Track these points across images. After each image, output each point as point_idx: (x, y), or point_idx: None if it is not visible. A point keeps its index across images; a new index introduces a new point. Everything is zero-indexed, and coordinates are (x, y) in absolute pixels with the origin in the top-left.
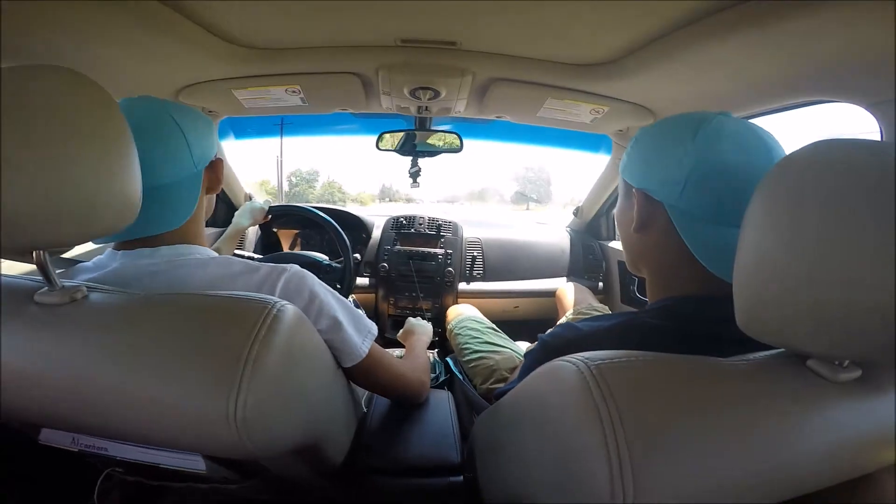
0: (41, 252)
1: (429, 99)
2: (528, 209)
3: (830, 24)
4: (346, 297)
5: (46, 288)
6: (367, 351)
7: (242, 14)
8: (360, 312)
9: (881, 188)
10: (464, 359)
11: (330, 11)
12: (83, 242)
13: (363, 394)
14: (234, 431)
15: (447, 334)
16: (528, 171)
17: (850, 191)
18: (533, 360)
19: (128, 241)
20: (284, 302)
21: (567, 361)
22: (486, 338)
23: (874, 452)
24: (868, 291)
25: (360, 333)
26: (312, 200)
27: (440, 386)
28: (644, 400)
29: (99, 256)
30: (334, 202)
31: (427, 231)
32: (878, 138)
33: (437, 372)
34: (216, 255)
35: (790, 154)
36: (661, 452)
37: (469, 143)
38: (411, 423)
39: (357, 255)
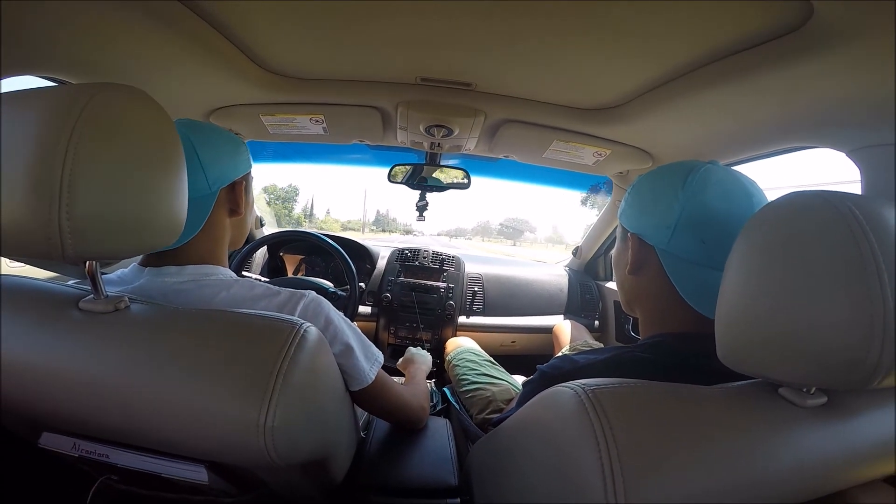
0: (93, 262)
1: (442, 136)
2: (514, 245)
3: (813, 75)
4: None
5: (92, 296)
6: (374, 377)
7: (280, 42)
8: (367, 339)
9: (835, 240)
10: (461, 389)
11: (359, 47)
12: (133, 256)
13: (360, 417)
14: (262, 440)
15: (445, 365)
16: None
17: (810, 241)
18: (531, 389)
19: (154, 258)
20: (309, 324)
21: (565, 387)
22: (483, 370)
23: (841, 472)
24: (829, 328)
25: (369, 360)
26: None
27: (437, 414)
28: (635, 421)
29: (123, 270)
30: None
31: (431, 264)
32: (859, 183)
33: (435, 401)
34: (237, 276)
35: (767, 205)
36: (651, 467)
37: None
38: (410, 446)
39: (362, 284)
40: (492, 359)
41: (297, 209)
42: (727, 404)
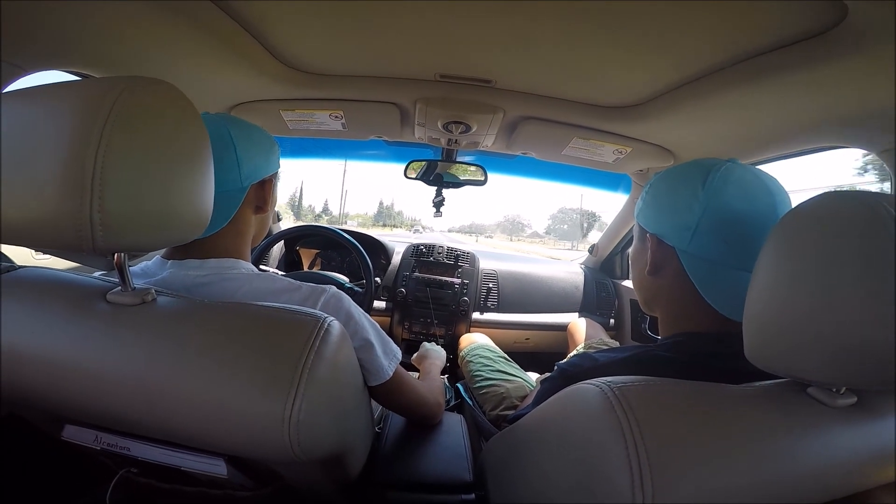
0: (122, 255)
1: (460, 132)
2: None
3: (844, 76)
4: None
5: (119, 288)
6: (392, 373)
7: (302, 39)
8: (386, 336)
9: (871, 240)
10: (475, 385)
11: (380, 43)
12: (160, 248)
13: (374, 412)
14: (286, 433)
15: (459, 361)
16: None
17: (846, 241)
18: (550, 387)
19: (177, 251)
20: (333, 318)
21: (590, 384)
22: (497, 366)
23: (867, 472)
24: (860, 328)
25: (388, 356)
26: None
27: (450, 410)
28: (662, 419)
29: (146, 263)
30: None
31: (446, 260)
32: (891, 182)
33: (448, 397)
34: (258, 271)
35: (800, 205)
36: (679, 466)
37: (492, 177)
38: (425, 442)
39: (377, 279)
40: (506, 355)
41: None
42: (755, 403)
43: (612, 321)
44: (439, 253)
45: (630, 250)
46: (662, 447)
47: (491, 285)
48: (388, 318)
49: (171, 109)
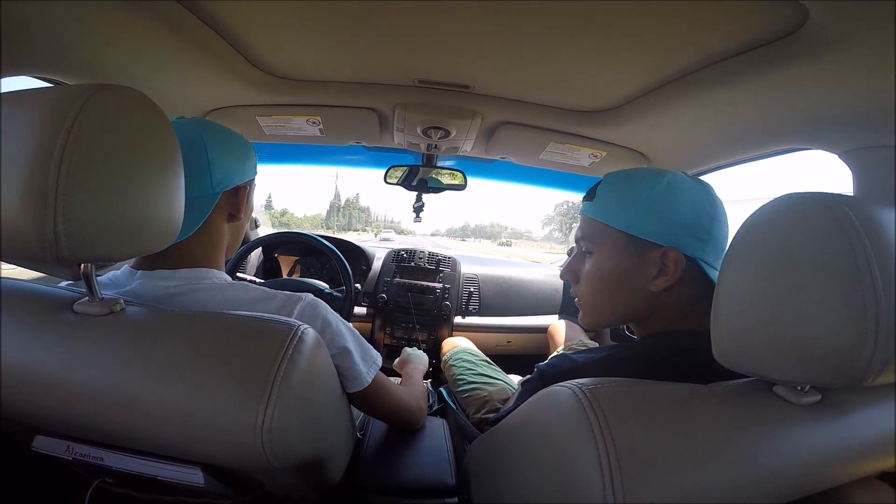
0: (89, 265)
1: (439, 138)
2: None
3: (808, 78)
4: None
5: (87, 298)
6: (371, 379)
7: (279, 44)
8: (366, 342)
9: (830, 241)
10: (457, 389)
11: (357, 49)
12: (128, 258)
13: (357, 417)
14: (259, 442)
15: (442, 365)
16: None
17: (806, 243)
18: (530, 388)
19: (147, 261)
20: (307, 326)
21: (563, 386)
22: (480, 370)
23: (835, 469)
24: (821, 328)
25: (367, 363)
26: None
27: (434, 414)
28: (632, 420)
29: (115, 273)
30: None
31: (427, 265)
32: (851, 184)
33: (431, 401)
34: (231, 280)
35: (761, 207)
36: (648, 466)
37: (472, 182)
38: (407, 446)
39: (357, 286)
40: (488, 359)
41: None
42: (723, 403)
43: None
44: (420, 258)
45: (605, 266)
46: (632, 448)
47: (472, 289)
48: (370, 324)
49: (139, 116)
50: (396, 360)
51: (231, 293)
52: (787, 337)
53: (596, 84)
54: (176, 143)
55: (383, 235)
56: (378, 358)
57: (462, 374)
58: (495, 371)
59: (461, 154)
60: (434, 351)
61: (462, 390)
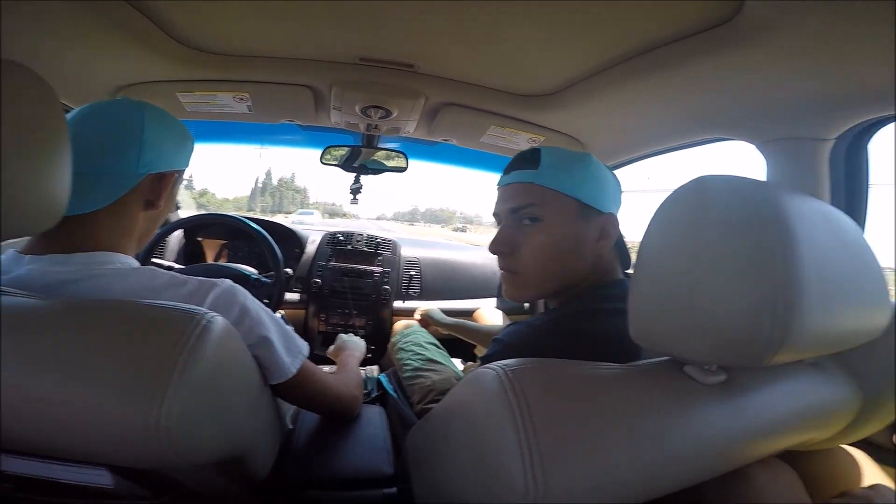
0: None
1: (380, 118)
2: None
3: (735, 69)
4: (275, 313)
5: None
6: (296, 370)
7: (201, 15)
8: (291, 331)
9: (739, 224)
10: (404, 375)
11: (292, 22)
12: (6, 240)
13: (289, 408)
14: (158, 440)
15: (389, 348)
16: None
17: (717, 223)
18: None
19: (38, 244)
20: (215, 314)
21: (488, 368)
22: (428, 354)
23: (740, 448)
24: (727, 307)
25: (291, 353)
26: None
27: (372, 402)
28: (552, 400)
29: None
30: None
31: (365, 248)
32: (765, 173)
33: (370, 388)
34: (139, 265)
35: (676, 190)
36: (566, 446)
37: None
38: (342, 436)
39: (289, 270)
40: (438, 343)
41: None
42: (638, 382)
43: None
44: (358, 241)
45: (559, 232)
46: (552, 432)
47: (413, 273)
48: (304, 311)
49: (21, 92)
50: (331, 348)
51: (134, 279)
52: (695, 317)
53: (537, 67)
54: (63, 119)
55: (295, 218)
56: (304, 347)
57: (409, 360)
58: (445, 358)
59: (404, 135)
60: (374, 337)
61: (408, 377)
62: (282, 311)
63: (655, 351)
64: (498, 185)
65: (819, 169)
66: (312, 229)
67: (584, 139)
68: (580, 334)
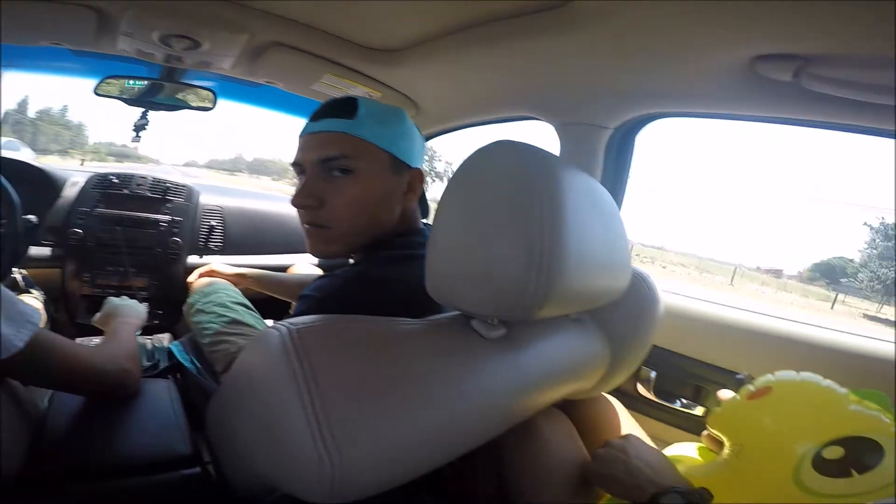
0: None
1: (184, 48)
2: None
3: (559, 51)
4: (8, 273)
5: None
6: (23, 343)
7: None
8: (13, 296)
9: (515, 186)
10: (204, 341)
11: None
12: None
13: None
14: None
15: (186, 309)
16: None
17: (497, 186)
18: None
19: None
20: None
21: (274, 327)
22: (233, 315)
23: (523, 401)
24: (503, 263)
25: (15, 323)
26: None
27: (161, 375)
28: (340, 361)
29: None
30: None
31: (149, 194)
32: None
33: (157, 359)
34: None
35: (474, 152)
36: (359, 411)
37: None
38: (119, 416)
39: (32, 217)
40: (248, 303)
41: None
42: (429, 338)
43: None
44: (139, 185)
45: (372, 185)
46: (341, 395)
47: (214, 223)
48: (59, 270)
49: None
50: (97, 315)
51: None
52: (479, 272)
53: (385, 20)
54: None
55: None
56: (34, 315)
57: (210, 323)
58: (255, 319)
59: (215, 71)
60: (161, 300)
61: (209, 342)
62: (23, 271)
63: (448, 305)
64: (303, 132)
65: (597, 153)
66: (79, 170)
67: (420, 101)
68: (392, 282)
